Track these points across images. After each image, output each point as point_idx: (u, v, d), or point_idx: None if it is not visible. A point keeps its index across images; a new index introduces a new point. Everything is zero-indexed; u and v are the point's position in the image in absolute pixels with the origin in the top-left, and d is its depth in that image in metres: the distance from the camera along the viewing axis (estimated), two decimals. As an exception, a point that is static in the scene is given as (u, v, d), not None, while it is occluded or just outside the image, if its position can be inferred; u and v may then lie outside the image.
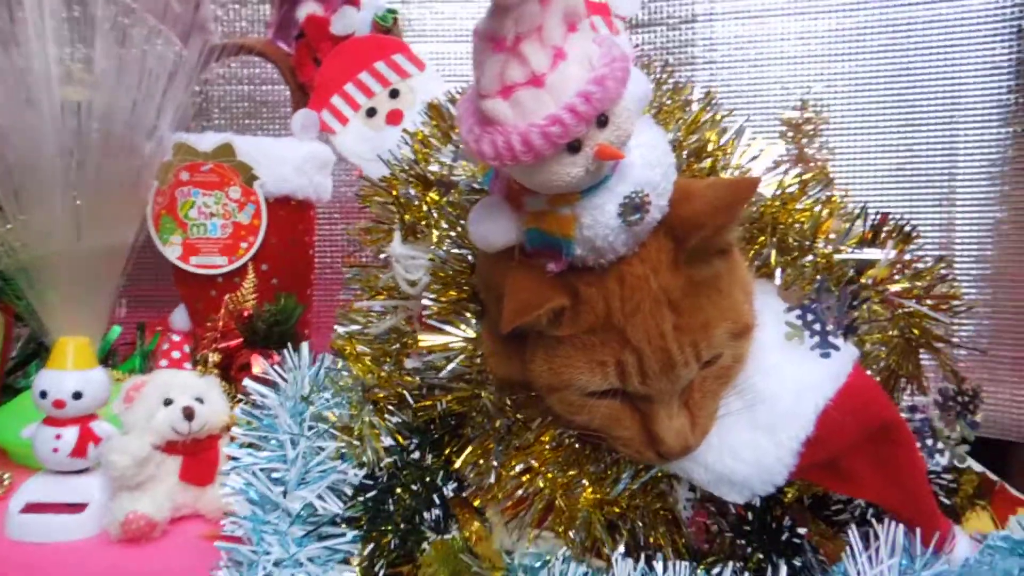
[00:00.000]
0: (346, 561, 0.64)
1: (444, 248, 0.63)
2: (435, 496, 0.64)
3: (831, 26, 1.30)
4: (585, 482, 0.61)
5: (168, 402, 0.75)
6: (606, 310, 0.51)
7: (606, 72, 0.45)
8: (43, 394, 0.73)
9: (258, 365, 0.90)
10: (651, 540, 0.61)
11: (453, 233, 0.64)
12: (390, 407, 0.68)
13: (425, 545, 0.62)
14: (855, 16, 1.29)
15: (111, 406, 0.78)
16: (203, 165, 1.04)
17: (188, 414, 0.75)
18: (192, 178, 1.04)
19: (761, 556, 0.63)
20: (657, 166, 0.50)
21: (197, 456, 0.76)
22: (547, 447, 0.61)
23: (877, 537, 0.58)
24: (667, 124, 0.65)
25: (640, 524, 0.61)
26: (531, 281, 0.51)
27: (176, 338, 0.79)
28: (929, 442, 0.68)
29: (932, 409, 0.72)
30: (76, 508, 0.74)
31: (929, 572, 0.57)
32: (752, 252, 0.63)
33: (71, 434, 0.74)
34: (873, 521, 0.61)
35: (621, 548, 0.60)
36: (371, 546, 0.64)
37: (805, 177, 0.66)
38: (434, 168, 0.66)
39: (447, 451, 0.66)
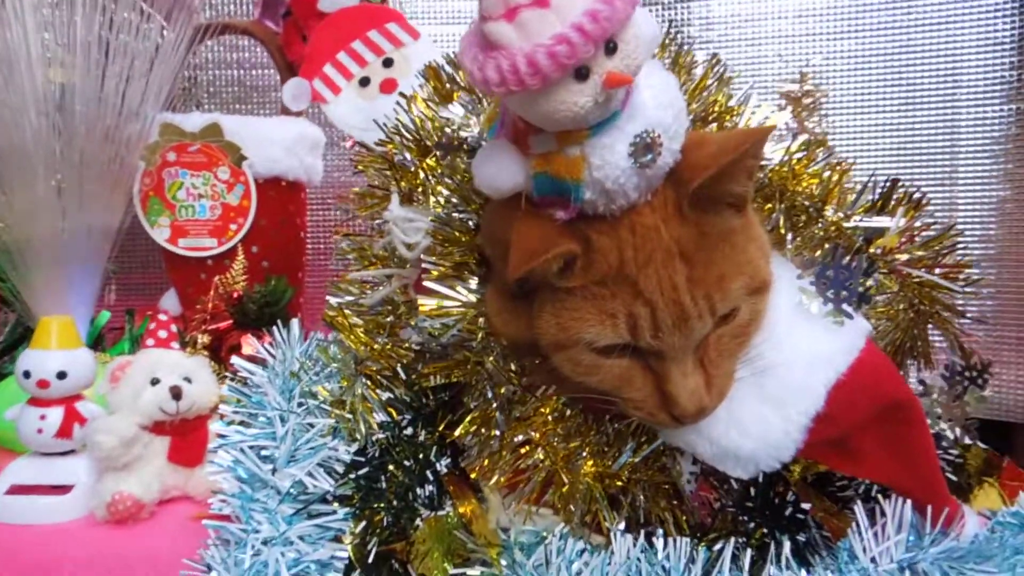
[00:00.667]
0: (337, 539, 0.63)
1: (445, 211, 0.61)
2: (429, 472, 0.63)
3: (829, 4, 1.28)
4: (586, 454, 0.59)
5: (155, 381, 0.73)
6: (619, 259, 0.49)
7: None
8: (26, 374, 0.72)
9: (249, 346, 0.89)
10: (652, 514, 0.60)
11: (455, 199, 0.62)
12: (383, 381, 0.66)
13: (419, 522, 0.61)
14: (854, -6, 1.27)
15: (97, 387, 0.76)
16: (190, 146, 1.02)
17: (176, 394, 0.73)
18: (179, 159, 1.02)
19: (764, 532, 0.61)
20: (669, 107, 0.49)
21: (185, 437, 0.75)
22: (549, 418, 0.59)
23: (883, 514, 0.56)
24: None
25: (641, 498, 0.60)
26: (538, 229, 0.50)
27: (163, 317, 0.77)
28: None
29: (935, 388, 0.71)
30: (62, 490, 0.72)
31: (937, 548, 0.55)
32: (761, 219, 0.61)
33: (56, 415, 0.72)
34: (879, 497, 0.60)
35: (622, 524, 0.58)
36: (363, 524, 0.62)
37: (813, 144, 0.65)
38: (442, 123, 0.64)
39: (441, 426, 0.64)
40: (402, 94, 0.67)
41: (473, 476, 0.62)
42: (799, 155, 0.64)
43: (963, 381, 0.70)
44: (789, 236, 0.62)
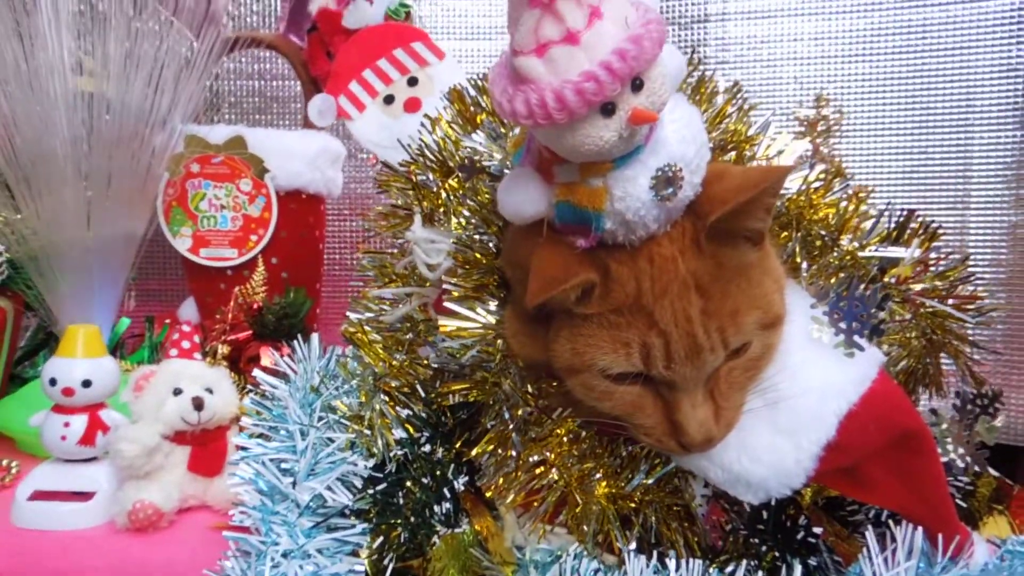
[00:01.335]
0: (355, 553, 0.64)
1: (467, 233, 0.62)
2: (446, 490, 0.64)
3: (845, 27, 1.29)
4: (600, 476, 0.60)
5: (178, 392, 0.75)
6: (636, 289, 0.50)
7: (642, 32, 0.44)
8: (52, 381, 0.73)
9: (268, 357, 0.90)
10: (664, 535, 0.60)
11: (475, 219, 0.63)
12: (401, 397, 0.67)
13: (435, 539, 0.62)
14: (869, 17, 1.28)
15: (119, 395, 0.77)
16: (214, 157, 1.04)
17: (198, 404, 0.74)
18: (203, 170, 1.04)
19: (776, 555, 0.62)
20: (691, 142, 0.49)
21: (206, 447, 0.76)
22: (564, 439, 0.60)
23: (894, 539, 0.57)
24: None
25: (653, 519, 0.60)
26: (559, 256, 0.51)
27: (186, 328, 0.79)
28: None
29: (947, 416, 0.72)
30: (83, 496, 0.74)
31: (947, 576, 0.56)
32: (776, 247, 0.62)
33: (79, 422, 0.73)
34: (890, 523, 0.60)
35: (633, 544, 0.59)
36: (380, 539, 0.63)
37: (830, 173, 0.66)
38: (465, 149, 0.65)
39: (458, 444, 0.65)
40: (427, 115, 0.68)
41: (489, 495, 0.63)
42: (816, 184, 0.65)
43: (974, 410, 0.70)
44: (804, 265, 0.63)
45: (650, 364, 0.50)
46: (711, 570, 0.58)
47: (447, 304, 0.61)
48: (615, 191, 0.48)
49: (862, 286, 0.59)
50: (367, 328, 0.69)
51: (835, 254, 0.64)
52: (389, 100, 0.98)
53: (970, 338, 0.66)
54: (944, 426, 0.70)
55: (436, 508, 0.63)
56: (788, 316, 0.56)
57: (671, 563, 0.58)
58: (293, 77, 1.37)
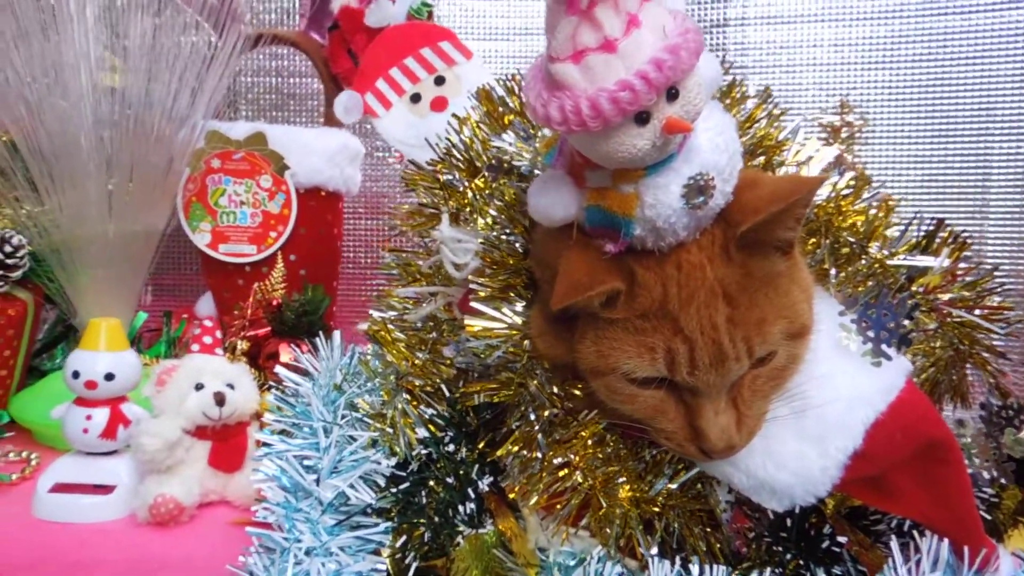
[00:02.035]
0: (376, 552, 0.63)
1: (495, 232, 0.62)
2: (470, 490, 0.63)
3: (865, 34, 1.29)
4: (624, 479, 0.60)
5: (199, 387, 0.74)
6: (663, 295, 0.50)
7: (680, 42, 0.44)
8: (75, 374, 0.73)
9: (287, 354, 0.90)
10: (687, 541, 0.60)
11: (502, 219, 0.63)
12: (425, 397, 0.67)
13: (459, 540, 0.62)
14: (890, 24, 1.28)
15: (140, 389, 0.77)
16: (235, 153, 1.04)
17: (219, 400, 0.74)
18: (223, 166, 1.04)
19: (799, 563, 0.62)
20: (724, 151, 0.49)
21: (226, 442, 0.76)
22: (589, 442, 0.60)
23: (917, 550, 0.57)
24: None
25: (676, 525, 0.60)
26: (586, 262, 0.51)
27: (208, 323, 0.79)
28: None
29: (973, 427, 0.71)
30: (103, 489, 0.74)
31: (973, 588, 0.56)
32: (805, 254, 0.62)
33: (101, 415, 0.73)
34: (914, 533, 0.60)
35: (655, 549, 0.59)
36: (403, 538, 0.63)
37: (859, 180, 0.65)
38: (493, 149, 0.65)
39: (481, 445, 0.65)
40: (455, 115, 0.68)
41: (512, 496, 0.63)
42: (846, 191, 0.65)
43: (1000, 422, 0.70)
44: (832, 272, 0.63)
45: (674, 370, 0.50)
46: (734, 576, 0.58)
47: (473, 304, 0.60)
48: (646, 198, 0.48)
49: (891, 295, 0.59)
50: (390, 327, 0.69)
51: (863, 262, 0.64)
52: (416, 98, 0.98)
53: (998, 349, 0.65)
54: (969, 438, 0.70)
55: (460, 508, 0.63)
56: (816, 324, 0.55)
57: (694, 569, 0.58)
58: (311, 74, 1.37)
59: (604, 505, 0.59)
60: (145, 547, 0.69)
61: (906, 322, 0.59)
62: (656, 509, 0.59)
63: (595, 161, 0.48)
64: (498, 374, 0.61)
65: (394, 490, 0.64)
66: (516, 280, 0.61)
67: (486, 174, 0.66)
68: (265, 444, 0.66)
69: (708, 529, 0.61)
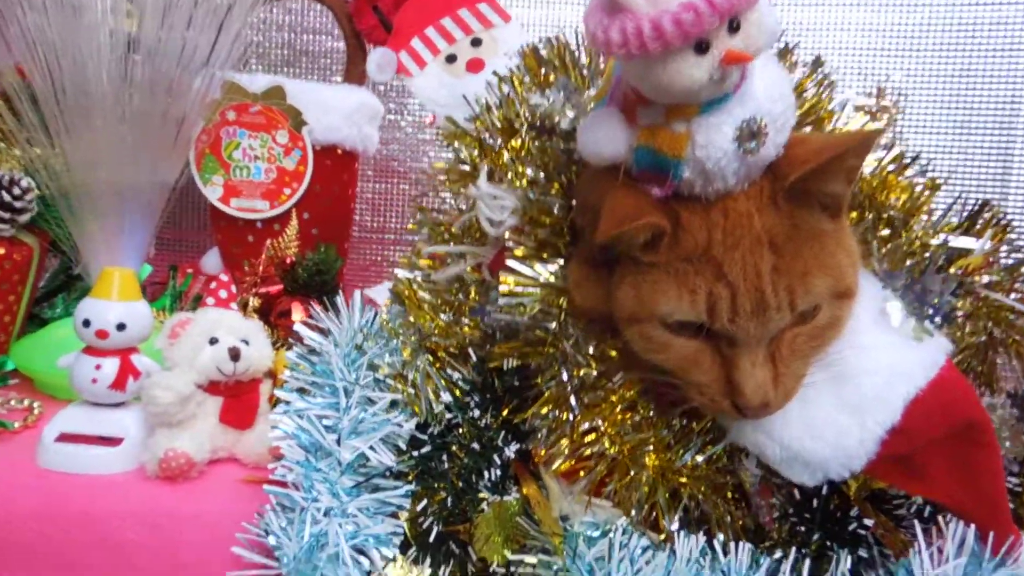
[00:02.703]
0: (395, 515, 0.62)
1: (532, 192, 0.60)
2: (495, 456, 0.62)
3: (894, 20, 1.27)
4: (651, 448, 0.59)
5: (214, 341, 0.72)
6: (707, 240, 0.49)
7: None
8: (86, 322, 0.70)
9: (299, 312, 0.88)
10: (713, 514, 0.59)
11: (541, 179, 0.61)
12: (449, 360, 0.66)
13: (484, 506, 0.60)
14: (919, 12, 1.26)
15: (151, 341, 0.75)
16: (251, 106, 1.01)
17: (234, 355, 0.72)
18: (239, 118, 1.01)
19: (827, 544, 0.61)
20: (779, 100, 0.49)
21: (238, 398, 0.74)
22: (619, 407, 0.58)
23: (940, 535, 0.56)
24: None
25: (700, 496, 0.59)
26: (632, 199, 0.50)
27: (224, 278, 0.76)
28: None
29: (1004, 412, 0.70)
30: (110, 441, 0.71)
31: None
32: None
33: (111, 365, 0.71)
34: (939, 519, 0.59)
35: (676, 523, 0.58)
36: (423, 502, 0.62)
37: (906, 159, 0.64)
38: (539, 107, 0.63)
39: (506, 411, 0.64)
40: (495, 73, 0.66)
41: (540, 458, 0.61)
42: (891, 167, 0.64)
43: (1030, 409, 0.69)
44: (875, 246, 0.62)
45: (715, 316, 0.49)
46: (760, 555, 0.57)
47: (509, 262, 0.59)
48: (698, 138, 0.47)
49: (935, 271, 0.58)
50: (415, 287, 0.67)
51: (904, 239, 0.63)
52: (451, 59, 0.96)
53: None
54: (998, 422, 0.69)
55: (484, 474, 0.62)
56: (859, 296, 0.54)
57: (719, 546, 0.57)
58: (325, 31, 1.34)
59: (631, 473, 0.58)
60: (155, 501, 0.67)
61: (950, 299, 0.58)
62: (683, 480, 0.58)
63: (649, 95, 0.48)
64: (527, 334, 0.60)
65: (415, 454, 0.63)
66: (553, 239, 0.60)
67: (530, 132, 0.64)
68: (283, 401, 0.64)
69: (732, 505, 0.60)
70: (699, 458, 0.59)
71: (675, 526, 0.57)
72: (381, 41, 1.05)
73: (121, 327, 0.71)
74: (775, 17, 0.49)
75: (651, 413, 0.59)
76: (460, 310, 0.66)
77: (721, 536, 0.57)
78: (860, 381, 0.54)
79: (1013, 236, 0.64)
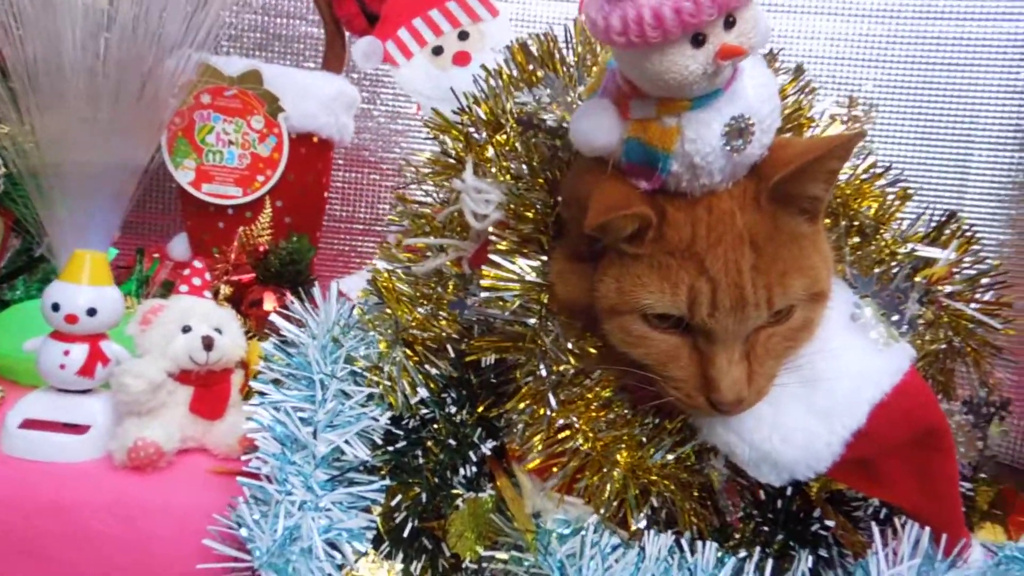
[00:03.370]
0: (367, 510, 0.62)
1: (517, 188, 0.61)
2: (471, 453, 0.62)
3: (862, 31, 1.30)
4: (623, 445, 0.60)
5: (187, 329, 0.71)
6: (691, 235, 0.51)
7: None
8: (55, 307, 0.69)
9: (270, 302, 0.87)
10: (680, 513, 0.60)
11: (524, 174, 0.61)
12: (426, 354, 0.66)
13: (459, 502, 0.61)
14: (887, 24, 1.29)
15: (121, 328, 0.74)
16: (227, 90, 0.99)
17: (207, 344, 0.71)
18: (214, 102, 1.00)
19: (789, 544, 0.63)
20: (767, 101, 0.50)
21: (209, 388, 0.73)
22: (594, 405, 0.59)
23: (896, 536, 0.58)
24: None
25: (668, 495, 0.60)
26: (621, 190, 0.51)
27: (199, 265, 0.75)
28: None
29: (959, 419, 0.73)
30: (76, 429, 0.70)
31: (949, 576, 0.57)
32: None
33: (80, 351, 0.70)
34: (896, 520, 0.61)
35: (644, 520, 0.59)
36: (397, 497, 0.62)
37: (880, 167, 0.66)
38: (527, 104, 0.63)
39: (481, 407, 0.64)
40: (483, 67, 0.67)
41: (512, 455, 0.62)
42: (865, 176, 0.66)
43: (987, 414, 0.72)
44: (846, 252, 0.63)
45: (694, 310, 0.51)
46: (725, 554, 0.59)
47: (492, 257, 0.59)
48: (688, 132, 0.49)
49: (904, 279, 0.60)
50: (394, 278, 0.67)
51: (874, 246, 0.65)
52: (438, 51, 0.95)
53: (994, 344, 0.67)
54: (955, 428, 0.71)
55: (459, 471, 0.62)
56: (830, 302, 0.56)
57: (686, 544, 0.58)
58: (299, 15, 1.32)
59: (603, 469, 0.59)
60: (122, 490, 0.66)
61: (917, 307, 0.60)
62: (653, 477, 0.59)
63: (643, 87, 0.49)
64: (507, 330, 0.60)
65: (390, 449, 0.63)
66: (537, 235, 0.60)
67: (517, 127, 0.65)
68: (259, 392, 0.64)
69: (699, 503, 0.62)
70: (669, 456, 0.60)
71: (643, 523, 0.58)
72: (361, 29, 1.04)
73: (91, 312, 0.70)
74: (766, 20, 0.50)
75: (625, 411, 0.60)
76: (439, 303, 0.66)
77: (688, 535, 0.58)
78: (829, 386, 0.55)
79: (977, 247, 0.66)
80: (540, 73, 0.66)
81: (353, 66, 1.04)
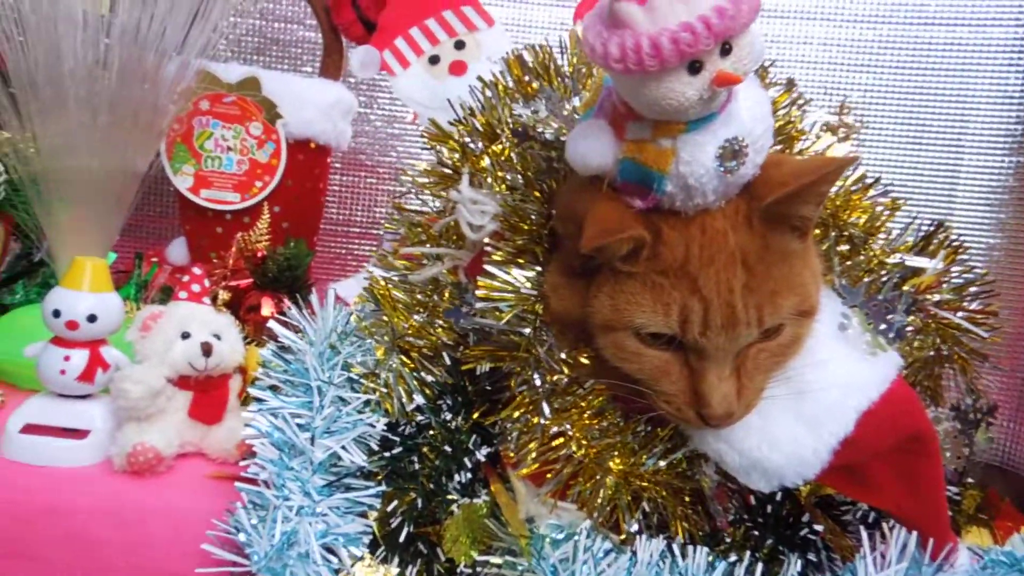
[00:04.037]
0: (364, 515, 0.63)
1: (513, 199, 0.62)
2: (466, 459, 0.63)
3: (854, 36, 1.31)
4: (616, 452, 0.61)
5: (186, 336, 0.72)
6: (684, 254, 0.51)
7: None
8: (56, 313, 0.70)
9: (268, 307, 0.88)
10: (671, 518, 0.61)
11: (519, 185, 0.62)
12: (422, 361, 0.67)
13: (454, 508, 0.62)
14: (879, 29, 1.30)
15: (121, 334, 0.74)
16: (226, 96, 1.00)
17: (206, 350, 0.72)
18: (212, 108, 1.00)
19: (778, 548, 0.64)
20: (760, 121, 0.51)
21: (208, 394, 0.74)
22: (587, 413, 0.60)
23: (884, 539, 0.59)
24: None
25: (659, 500, 0.61)
26: (616, 211, 0.52)
27: (198, 271, 0.76)
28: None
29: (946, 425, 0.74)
30: (76, 434, 0.71)
31: (935, 580, 0.58)
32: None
33: (80, 357, 0.70)
34: (884, 525, 0.62)
35: (636, 525, 0.60)
36: (393, 503, 0.63)
37: (869, 179, 0.67)
38: (523, 116, 0.64)
39: (476, 414, 0.65)
40: (480, 78, 0.67)
41: (507, 462, 0.63)
42: (855, 188, 0.67)
43: (974, 420, 0.73)
44: (835, 262, 0.64)
45: (686, 329, 0.52)
46: (715, 559, 0.60)
47: (487, 267, 0.60)
48: (683, 154, 0.49)
49: (891, 288, 0.61)
50: (390, 286, 0.68)
51: (862, 257, 0.66)
52: (434, 60, 0.96)
53: (981, 352, 0.68)
54: (942, 434, 0.73)
55: (454, 477, 0.63)
56: (819, 312, 0.57)
57: (677, 548, 0.59)
58: (296, 20, 1.33)
59: (596, 476, 0.60)
60: (122, 495, 0.67)
61: (904, 316, 0.61)
62: (644, 483, 0.60)
63: (639, 110, 0.50)
64: (502, 339, 0.61)
65: (386, 455, 0.64)
66: (532, 246, 0.61)
67: (513, 139, 0.65)
68: (258, 399, 0.64)
69: (690, 508, 0.63)
70: (661, 463, 0.61)
71: (635, 528, 0.59)
72: (359, 37, 1.05)
73: (92, 319, 0.70)
74: (760, 43, 0.51)
75: (618, 419, 0.61)
76: (434, 311, 0.67)
77: (679, 539, 0.59)
78: (817, 395, 0.56)
79: (964, 257, 0.67)
80: (536, 85, 0.67)
81: (350, 72, 1.04)
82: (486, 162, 0.66)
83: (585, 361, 0.60)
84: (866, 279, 0.64)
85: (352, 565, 0.61)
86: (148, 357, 0.71)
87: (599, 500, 0.60)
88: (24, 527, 0.65)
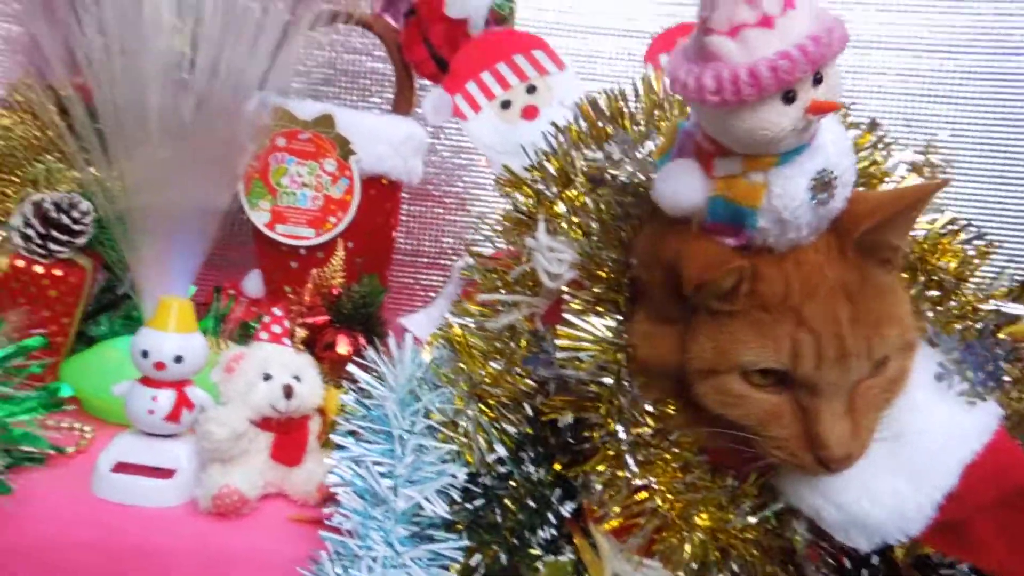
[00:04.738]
0: (445, 567, 0.63)
1: (591, 247, 0.61)
2: (549, 514, 0.63)
3: (933, 66, 1.27)
4: (702, 508, 0.59)
5: (267, 377, 0.73)
6: (784, 288, 0.51)
7: (833, 24, 0.46)
8: (144, 353, 0.71)
9: (343, 345, 0.89)
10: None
11: (595, 233, 0.62)
12: (502, 411, 0.66)
13: (539, 565, 0.61)
14: (958, 59, 1.27)
15: (205, 373, 0.76)
16: (301, 133, 1.02)
17: (288, 392, 0.72)
18: (288, 145, 1.02)
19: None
20: (845, 155, 0.51)
21: (289, 435, 0.74)
22: (672, 465, 0.59)
23: None
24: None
25: (750, 558, 0.60)
26: (712, 247, 0.51)
27: (278, 312, 0.77)
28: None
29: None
30: (163, 473, 0.72)
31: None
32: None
33: (167, 397, 0.71)
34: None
35: (724, 584, 0.58)
36: (476, 556, 0.62)
37: (959, 223, 0.65)
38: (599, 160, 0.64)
39: (558, 466, 0.64)
40: (552, 123, 0.67)
41: (590, 516, 0.62)
42: (944, 231, 0.65)
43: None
44: (926, 307, 0.62)
45: (799, 363, 0.50)
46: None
47: (567, 316, 0.60)
48: (775, 188, 0.49)
49: (993, 338, 0.59)
50: (466, 333, 0.68)
51: (953, 303, 0.64)
52: (506, 105, 0.96)
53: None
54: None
55: (538, 532, 0.62)
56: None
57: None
58: (365, 52, 1.34)
59: (683, 533, 0.58)
60: (207, 537, 0.68)
61: (1004, 365, 0.59)
62: (732, 540, 0.59)
63: (730, 144, 0.50)
64: (582, 389, 0.60)
65: (469, 506, 0.63)
66: (613, 295, 0.60)
67: (589, 184, 0.65)
68: (339, 447, 0.65)
69: (780, 570, 0.61)
70: (751, 519, 0.59)
71: (724, 586, 0.58)
72: (431, 74, 1.05)
73: (178, 359, 0.72)
74: (840, 73, 0.51)
75: (705, 473, 0.60)
76: (512, 359, 0.66)
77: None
78: (915, 442, 0.55)
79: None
80: (609, 129, 0.66)
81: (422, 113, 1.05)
82: (561, 207, 0.66)
83: (672, 412, 0.58)
84: (958, 326, 0.62)
85: (435, 619, 0.61)
86: (232, 399, 0.72)
87: (685, 556, 0.58)
88: (112, 566, 0.66)
